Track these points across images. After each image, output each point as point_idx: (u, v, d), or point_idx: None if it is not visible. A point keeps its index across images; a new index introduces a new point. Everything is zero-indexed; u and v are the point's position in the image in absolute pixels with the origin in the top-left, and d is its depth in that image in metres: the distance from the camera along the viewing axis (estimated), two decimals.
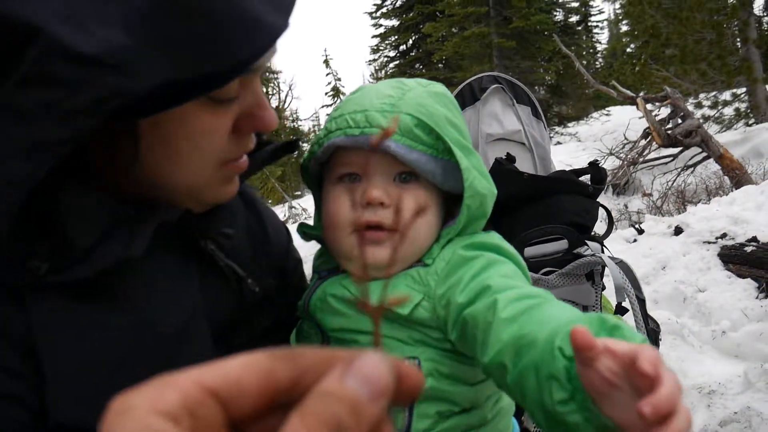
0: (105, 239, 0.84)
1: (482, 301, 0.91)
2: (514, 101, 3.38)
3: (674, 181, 10.40)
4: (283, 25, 0.83)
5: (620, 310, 2.68)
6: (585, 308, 2.68)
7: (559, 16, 26.11)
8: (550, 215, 2.78)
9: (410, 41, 30.26)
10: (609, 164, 12.38)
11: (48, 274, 0.80)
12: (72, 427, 0.82)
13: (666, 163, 11.61)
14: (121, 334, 0.86)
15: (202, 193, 0.97)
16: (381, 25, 30.84)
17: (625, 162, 11.60)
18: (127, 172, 0.89)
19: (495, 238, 1.09)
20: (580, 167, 3.10)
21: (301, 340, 1.15)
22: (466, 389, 1.02)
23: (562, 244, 2.70)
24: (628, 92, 11.73)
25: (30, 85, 0.69)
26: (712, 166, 10.05)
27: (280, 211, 20.75)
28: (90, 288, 0.85)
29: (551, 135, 24.86)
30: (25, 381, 0.80)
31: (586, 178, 3.00)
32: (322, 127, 1.14)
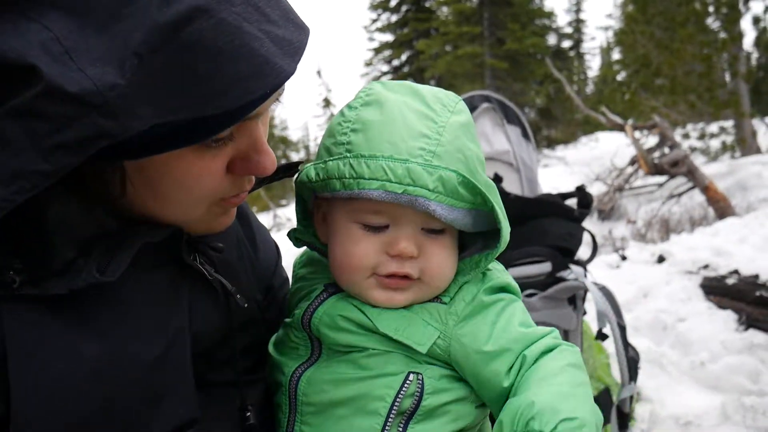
0: (83, 255, 0.82)
1: (498, 361, 0.96)
2: (505, 121, 3.37)
3: (659, 209, 10.47)
4: (291, 70, 0.80)
5: (601, 336, 2.67)
6: (566, 333, 2.66)
7: (552, 40, 26.42)
8: (534, 237, 2.77)
9: (403, 57, 30.43)
10: (595, 189, 12.48)
11: (22, 287, 0.78)
12: None
13: (652, 192, 11.71)
14: (91, 363, 0.83)
15: (194, 226, 0.95)
16: (375, 40, 31.02)
17: (612, 188, 11.68)
18: (114, 202, 0.87)
19: (505, 275, 1.08)
20: (567, 191, 3.09)
21: (284, 350, 1.11)
22: (468, 408, 1.01)
23: (546, 267, 2.68)
24: (617, 119, 11.84)
25: (18, 117, 0.69)
26: (698, 196, 10.15)
27: (265, 220, 20.66)
28: (65, 307, 0.82)
29: (539, 158, 25.05)
30: None
31: (572, 202, 2.99)
32: (325, 144, 1.03)
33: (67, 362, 0.82)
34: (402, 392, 0.96)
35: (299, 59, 0.82)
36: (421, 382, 0.97)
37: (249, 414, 1.04)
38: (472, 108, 3.37)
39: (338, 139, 0.99)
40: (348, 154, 0.96)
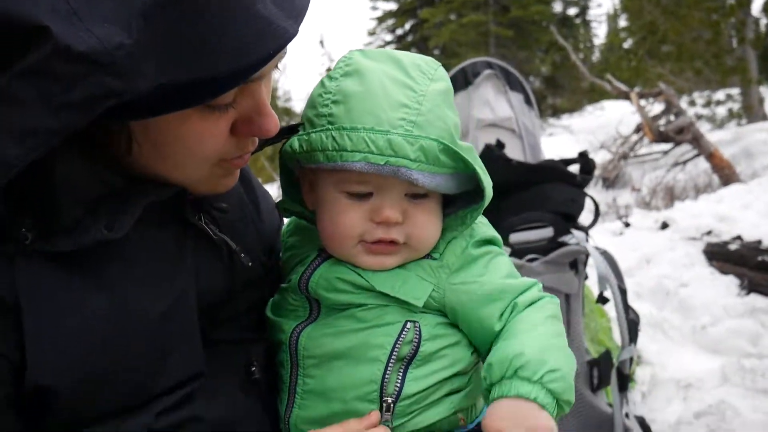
0: (91, 213, 0.85)
1: (490, 307, 1.02)
2: (507, 88, 3.37)
3: (664, 177, 10.45)
4: (293, 32, 0.82)
5: (602, 300, 2.70)
6: (567, 296, 2.69)
7: (557, 7, 26.08)
8: (536, 203, 2.79)
9: (407, 26, 30.12)
10: (600, 158, 12.44)
11: (34, 243, 0.82)
12: (47, 387, 0.83)
13: (656, 159, 11.67)
14: (100, 316, 0.87)
15: (197, 186, 0.97)
16: (378, 8, 30.67)
17: (616, 156, 11.65)
18: (120, 162, 0.90)
19: (489, 228, 1.13)
20: (570, 157, 3.11)
21: (282, 312, 1.14)
22: (463, 352, 1.06)
23: (548, 232, 2.71)
24: (623, 86, 11.76)
25: (29, 77, 0.71)
26: (702, 163, 10.12)
27: (270, 191, 20.65)
28: (75, 263, 0.86)
29: (544, 127, 24.92)
30: (6, 336, 0.81)
31: (575, 168, 3.01)
32: (308, 115, 1.05)
33: (77, 316, 0.86)
34: (400, 340, 1.01)
35: (301, 21, 0.84)
36: (418, 329, 1.02)
37: (254, 369, 1.08)
38: (475, 74, 3.37)
39: (320, 111, 1.01)
40: (330, 126, 0.98)
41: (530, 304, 1.02)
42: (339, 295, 1.05)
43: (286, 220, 1.29)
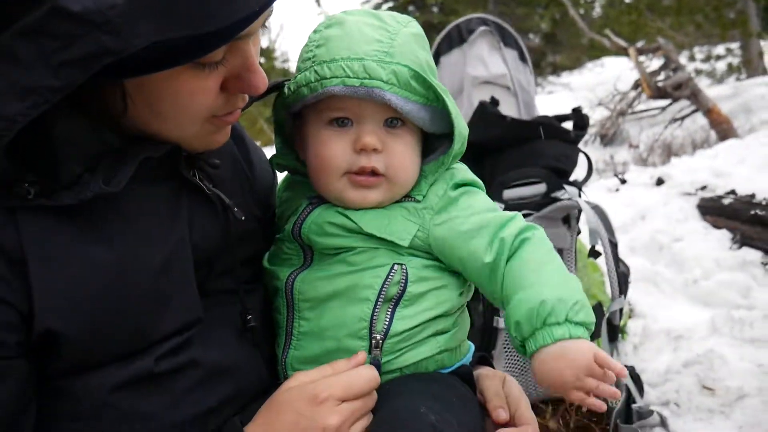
0: (91, 170, 0.90)
1: (476, 239, 1.09)
2: (502, 44, 3.38)
3: (662, 133, 10.44)
4: None
5: (593, 254, 2.75)
6: (560, 251, 2.75)
7: None
8: (530, 159, 2.83)
9: None
10: (598, 114, 12.37)
11: (36, 198, 0.87)
12: (55, 331, 0.89)
13: (654, 116, 11.62)
14: (101, 266, 0.93)
15: (190, 143, 1.02)
16: None
17: (614, 112, 11.60)
18: (117, 120, 0.94)
19: (468, 173, 1.22)
20: (563, 113, 3.12)
21: (278, 261, 1.22)
22: (448, 294, 1.15)
23: (541, 188, 2.75)
24: (621, 42, 11.65)
25: (29, 36, 0.75)
26: (701, 119, 10.09)
27: (269, 153, 20.56)
28: (76, 217, 0.91)
29: (544, 85, 24.69)
30: (12, 285, 0.87)
31: (569, 125, 3.03)
32: (297, 66, 1.14)
33: (80, 266, 0.91)
34: (388, 281, 1.09)
35: None
36: (405, 271, 1.10)
37: (249, 317, 1.14)
38: (470, 31, 3.38)
39: (304, 56, 1.12)
40: (313, 64, 1.09)
41: (521, 239, 1.08)
42: (329, 239, 1.13)
43: (280, 177, 1.35)
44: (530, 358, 1.00)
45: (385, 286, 1.09)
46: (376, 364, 1.09)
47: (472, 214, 1.12)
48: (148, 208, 1.01)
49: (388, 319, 1.09)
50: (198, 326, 1.05)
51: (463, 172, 1.20)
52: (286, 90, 1.12)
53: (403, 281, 1.10)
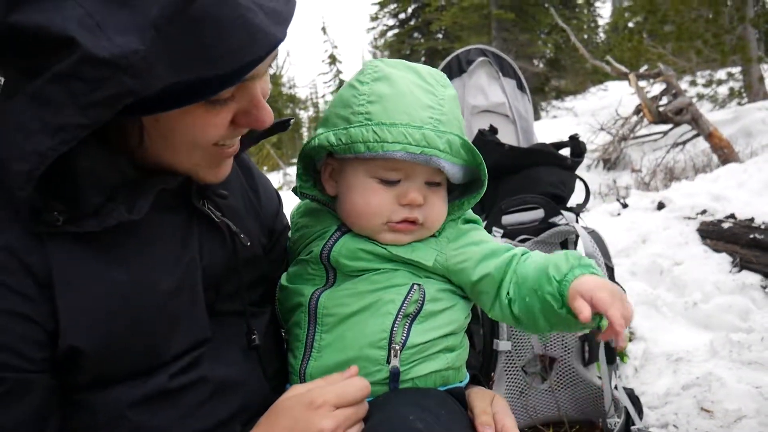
0: (112, 199, 0.99)
1: (486, 263, 1.25)
2: (500, 74, 3.48)
3: (663, 157, 10.51)
4: (281, 36, 0.95)
5: None
6: None
7: None
8: (528, 186, 2.91)
9: (409, 10, 30.00)
10: (600, 139, 12.46)
11: (64, 225, 0.96)
12: (80, 349, 0.98)
13: (656, 140, 11.70)
14: (119, 287, 1.02)
15: (198, 173, 1.11)
16: None
17: (616, 137, 11.69)
18: (133, 152, 1.04)
19: (471, 212, 1.39)
20: (562, 140, 3.21)
21: (299, 281, 1.33)
22: (457, 315, 1.29)
23: (539, 214, 2.83)
24: (622, 68, 11.78)
25: (60, 80, 0.84)
26: (702, 144, 10.16)
27: (275, 178, 20.79)
28: (97, 241, 1.00)
29: (548, 109, 24.82)
30: (40, 306, 0.96)
31: (567, 152, 3.11)
32: (341, 113, 1.23)
33: (99, 288, 1.00)
34: (408, 299, 1.22)
35: (287, 27, 0.97)
36: (423, 291, 1.23)
37: (254, 336, 1.23)
38: (469, 62, 3.48)
39: (356, 110, 1.21)
40: (369, 122, 1.19)
41: (527, 253, 1.27)
42: (358, 262, 1.25)
43: (289, 204, 1.45)
44: (568, 286, 1.12)
45: (404, 303, 1.22)
46: (396, 372, 1.20)
47: (481, 245, 1.29)
48: (162, 234, 1.09)
49: (405, 332, 1.21)
50: (207, 345, 1.13)
51: (469, 211, 1.37)
52: (333, 140, 1.21)
53: (421, 300, 1.23)
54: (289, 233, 1.45)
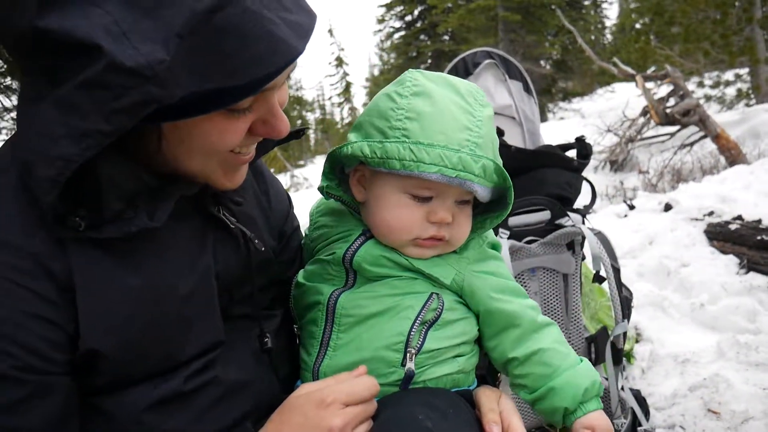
0: (132, 206, 1.01)
1: (509, 332, 1.29)
2: (507, 76, 3.49)
3: (671, 159, 10.49)
4: (302, 49, 0.96)
5: (598, 279, 2.82)
6: (565, 276, 2.82)
7: None
8: (534, 187, 2.91)
9: (416, 12, 30.04)
10: (607, 141, 12.45)
11: (86, 230, 0.97)
12: (99, 351, 1.01)
13: (663, 142, 11.68)
14: (137, 292, 1.04)
15: (214, 180, 1.13)
16: None
17: (623, 139, 11.68)
18: (151, 158, 1.05)
19: (493, 235, 1.43)
20: (568, 142, 3.22)
21: (318, 280, 1.35)
22: (470, 326, 1.31)
23: (545, 215, 2.83)
24: (629, 69, 11.78)
25: (86, 88, 0.85)
26: (709, 145, 10.14)
27: (282, 180, 20.83)
28: (116, 247, 1.03)
29: (555, 111, 24.78)
30: (61, 310, 0.98)
31: (573, 153, 3.12)
32: (378, 125, 1.23)
33: (118, 292, 1.02)
34: (426, 307, 1.24)
35: (308, 40, 0.98)
36: (441, 300, 1.26)
37: (267, 339, 1.25)
38: (475, 64, 3.49)
39: (393, 124, 1.21)
40: (407, 140, 1.19)
41: (547, 322, 1.31)
42: (380, 268, 1.27)
43: (298, 205, 1.46)
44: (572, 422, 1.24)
45: (423, 310, 1.24)
46: (410, 374, 1.21)
47: (505, 278, 1.33)
48: (178, 240, 1.11)
49: (422, 338, 1.23)
50: (221, 348, 1.15)
51: (490, 232, 1.40)
52: (368, 151, 1.21)
53: (440, 308, 1.25)
54: (306, 230, 1.47)
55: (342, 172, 1.36)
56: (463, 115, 1.21)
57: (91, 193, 0.97)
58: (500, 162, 1.23)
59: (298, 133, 1.26)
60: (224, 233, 1.20)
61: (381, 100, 1.26)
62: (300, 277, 1.38)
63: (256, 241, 1.24)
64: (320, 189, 1.35)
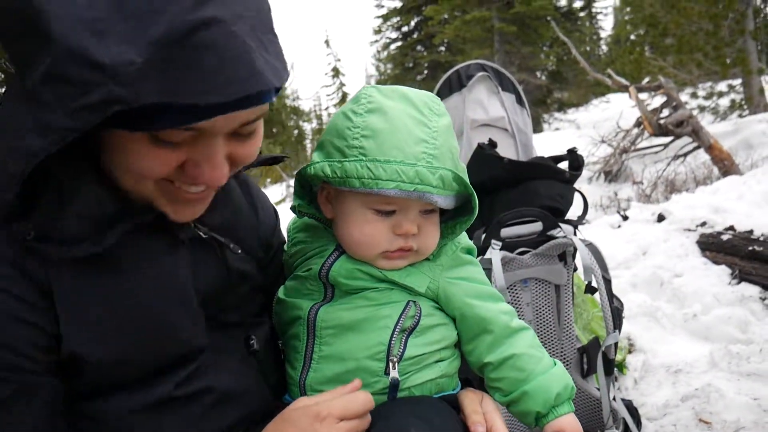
0: (82, 228, 1.01)
1: (483, 337, 1.31)
2: (500, 89, 3.52)
3: (664, 170, 10.55)
4: (276, 85, 0.93)
5: (590, 289, 2.84)
6: (557, 287, 2.84)
7: (562, 1, 26.05)
8: (526, 199, 2.94)
9: (412, 23, 30.16)
10: (602, 152, 12.50)
11: (33, 241, 0.98)
12: (79, 356, 1.03)
13: (657, 153, 11.74)
14: (113, 300, 1.06)
15: (158, 207, 1.10)
16: (383, 6, 30.73)
17: (617, 150, 11.73)
18: (108, 182, 1.04)
19: (466, 237, 1.43)
20: (560, 154, 3.24)
21: (297, 295, 1.37)
22: (449, 331, 1.34)
23: (537, 226, 2.85)
24: (623, 81, 11.85)
25: (50, 82, 0.85)
26: (703, 156, 10.20)
27: (278, 190, 20.87)
28: (94, 265, 1.04)
29: (550, 121, 24.87)
30: (43, 313, 1.00)
31: (565, 165, 3.14)
32: (337, 144, 1.23)
33: (94, 299, 1.04)
34: (404, 315, 1.26)
35: (282, 85, 0.97)
36: (419, 307, 1.28)
37: (252, 341, 1.28)
38: (468, 77, 3.52)
39: (351, 143, 1.22)
40: (363, 158, 1.20)
41: (521, 325, 1.33)
42: (355, 281, 1.29)
43: (286, 218, 1.49)
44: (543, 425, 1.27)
45: (401, 319, 1.26)
46: (395, 383, 1.24)
47: (480, 284, 1.36)
48: (153, 254, 1.13)
49: (402, 345, 1.26)
50: (205, 354, 1.18)
51: (464, 237, 1.41)
52: (329, 171, 1.23)
53: (417, 316, 1.28)
54: (285, 247, 1.48)
55: (312, 190, 1.38)
56: (418, 127, 1.22)
57: (50, 205, 0.98)
58: (461, 169, 1.25)
59: (276, 160, 1.28)
60: (199, 244, 1.22)
61: (338, 119, 1.28)
62: (280, 293, 1.40)
63: (232, 245, 1.25)
64: (293, 208, 1.38)
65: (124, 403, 1.07)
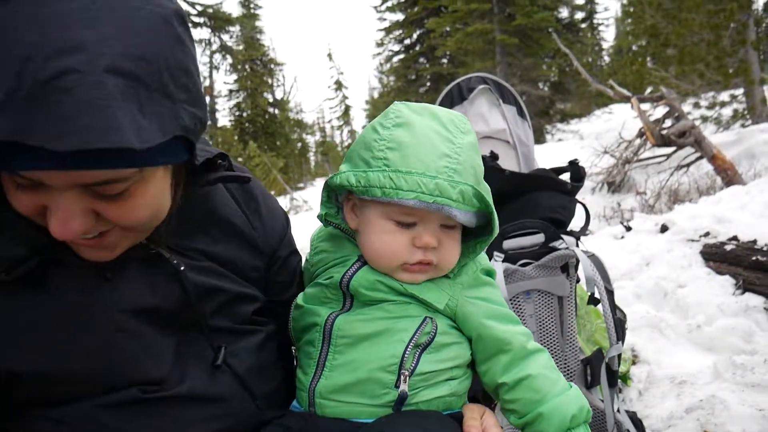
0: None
1: (499, 357, 1.31)
2: (501, 101, 3.54)
3: (667, 180, 10.55)
4: (136, 146, 0.87)
5: (593, 301, 2.84)
6: (560, 298, 2.84)
7: (564, 13, 26.16)
8: (528, 210, 2.95)
9: (414, 36, 30.29)
10: (604, 162, 12.50)
11: None
12: (17, 371, 1.05)
13: (660, 163, 11.75)
14: (51, 318, 1.08)
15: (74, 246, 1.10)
16: (386, 19, 30.88)
17: (620, 160, 11.74)
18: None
19: (486, 258, 1.45)
20: (562, 165, 3.25)
21: (316, 302, 1.39)
22: (464, 350, 1.35)
23: (539, 238, 2.86)
24: (625, 92, 11.88)
25: None
26: (706, 166, 10.20)
27: (282, 203, 20.92)
28: (26, 286, 1.07)
29: (553, 132, 24.90)
30: None
31: (567, 177, 3.15)
32: (363, 155, 1.27)
33: (31, 316, 1.06)
34: (420, 330, 1.28)
35: (145, 147, 0.90)
36: (435, 324, 1.30)
37: (219, 355, 1.27)
38: (470, 89, 3.54)
39: (376, 154, 1.26)
40: (387, 169, 1.24)
41: (536, 348, 1.34)
42: (375, 293, 1.31)
43: (296, 227, 1.50)
44: None
45: (417, 334, 1.28)
46: (404, 396, 1.25)
47: (498, 305, 1.37)
48: (78, 276, 1.12)
49: (415, 360, 1.27)
50: (161, 385, 1.18)
51: (484, 258, 1.44)
52: (353, 180, 1.26)
53: (433, 332, 1.30)
54: (308, 255, 1.51)
55: (339, 200, 1.41)
56: (443, 143, 1.25)
57: None
58: (484, 188, 1.27)
59: (241, 180, 1.29)
60: (154, 260, 1.21)
61: (367, 132, 1.32)
62: (299, 299, 1.43)
63: (175, 261, 1.22)
64: (319, 217, 1.41)
65: (90, 404, 1.10)
